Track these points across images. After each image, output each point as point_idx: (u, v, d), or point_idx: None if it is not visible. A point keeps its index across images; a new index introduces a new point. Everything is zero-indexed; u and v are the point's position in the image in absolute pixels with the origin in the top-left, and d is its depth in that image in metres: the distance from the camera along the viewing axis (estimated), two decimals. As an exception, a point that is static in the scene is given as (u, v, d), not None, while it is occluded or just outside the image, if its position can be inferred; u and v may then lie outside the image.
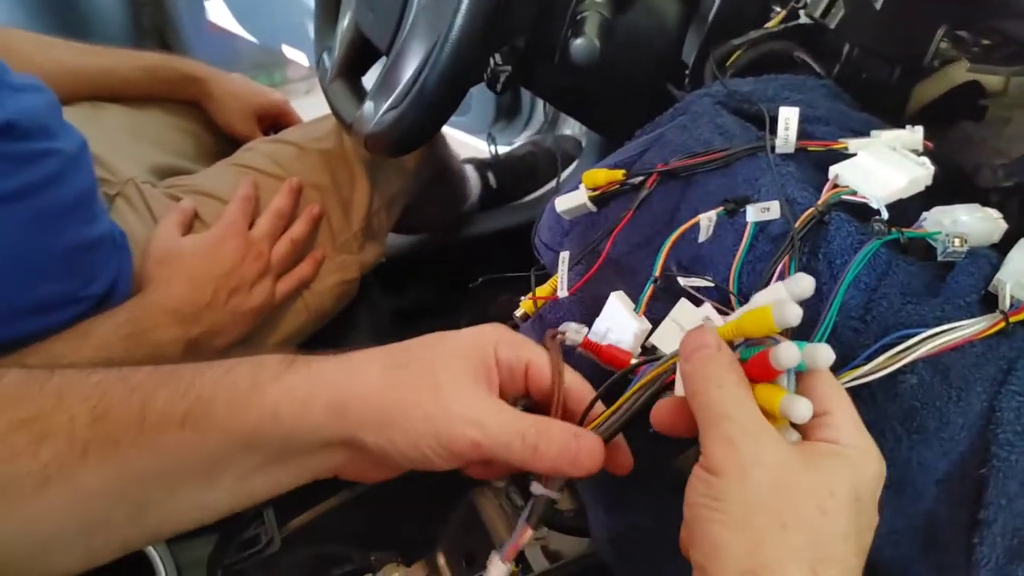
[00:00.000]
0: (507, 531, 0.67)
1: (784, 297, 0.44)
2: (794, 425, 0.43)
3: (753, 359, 0.43)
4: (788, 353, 0.41)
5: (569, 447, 0.46)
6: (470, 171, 1.52)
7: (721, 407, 0.41)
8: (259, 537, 0.69)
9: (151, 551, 0.65)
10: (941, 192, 0.62)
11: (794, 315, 0.41)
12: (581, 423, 0.50)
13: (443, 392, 0.45)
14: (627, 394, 0.49)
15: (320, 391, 0.45)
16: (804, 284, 0.44)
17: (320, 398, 0.45)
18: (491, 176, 1.55)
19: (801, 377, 0.44)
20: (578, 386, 0.52)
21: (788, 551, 0.39)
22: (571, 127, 1.68)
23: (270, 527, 0.69)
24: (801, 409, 0.41)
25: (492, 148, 1.56)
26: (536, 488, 0.48)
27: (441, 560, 0.73)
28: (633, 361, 0.54)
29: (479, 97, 1.69)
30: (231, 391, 0.44)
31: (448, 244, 1.38)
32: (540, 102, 1.68)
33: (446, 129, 1.75)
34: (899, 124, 0.66)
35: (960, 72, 0.80)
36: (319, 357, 0.47)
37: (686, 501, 0.42)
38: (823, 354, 0.42)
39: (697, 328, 0.45)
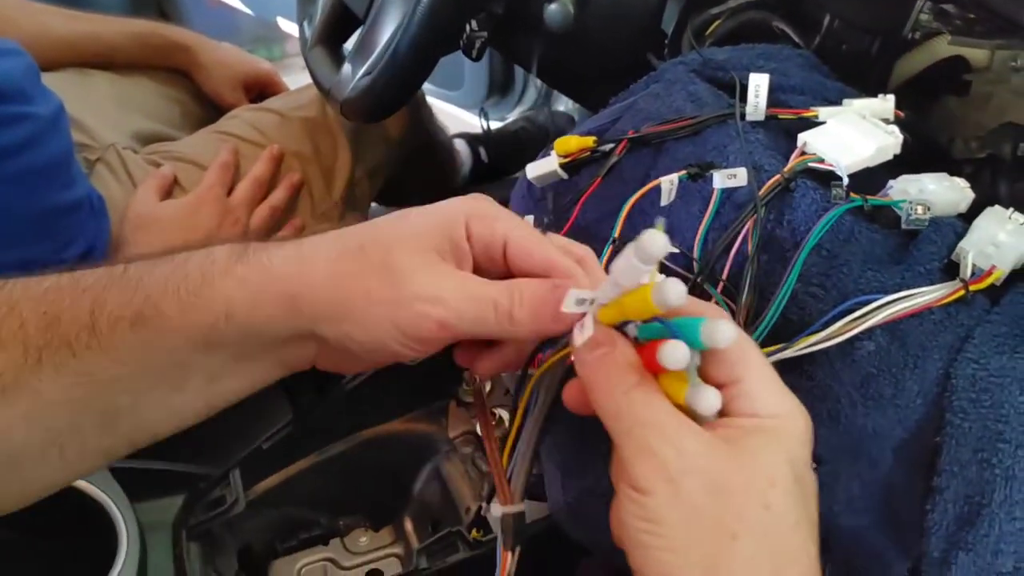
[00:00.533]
0: (472, 497, 0.67)
1: (642, 267, 0.36)
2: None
3: (646, 348, 0.39)
4: (675, 354, 0.36)
5: (546, 302, 0.41)
6: (462, 145, 1.51)
7: (632, 414, 0.37)
8: (224, 498, 0.69)
9: (114, 511, 0.65)
10: (914, 162, 0.62)
11: (676, 294, 0.35)
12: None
13: (397, 273, 0.41)
14: (528, 387, 0.46)
15: (270, 284, 0.41)
16: (655, 243, 0.34)
17: (270, 292, 0.41)
18: (483, 151, 1.54)
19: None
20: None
21: (744, 563, 0.35)
22: (564, 103, 1.68)
23: (235, 488, 0.69)
24: (709, 400, 0.37)
25: (484, 123, 1.56)
26: (495, 510, 0.44)
27: (408, 525, 0.73)
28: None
29: (472, 72, 1.68)
30: (180, 286, 0.41)
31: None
32: (533, 78, 1.67)
33: (437, 102, 1.76)
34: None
35: (943, 46, 0.79)
36: (274, 244, 0.43)
37: (620, 522, 0.38)
38: (724, 333, 0.36)
39: (585, 339, 0.40)
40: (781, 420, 0.38)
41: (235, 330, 0.42)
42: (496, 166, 1.55)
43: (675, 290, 0.35)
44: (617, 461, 0.38)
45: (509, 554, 0.44)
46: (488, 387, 0.72)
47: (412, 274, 0.41)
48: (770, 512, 0.36)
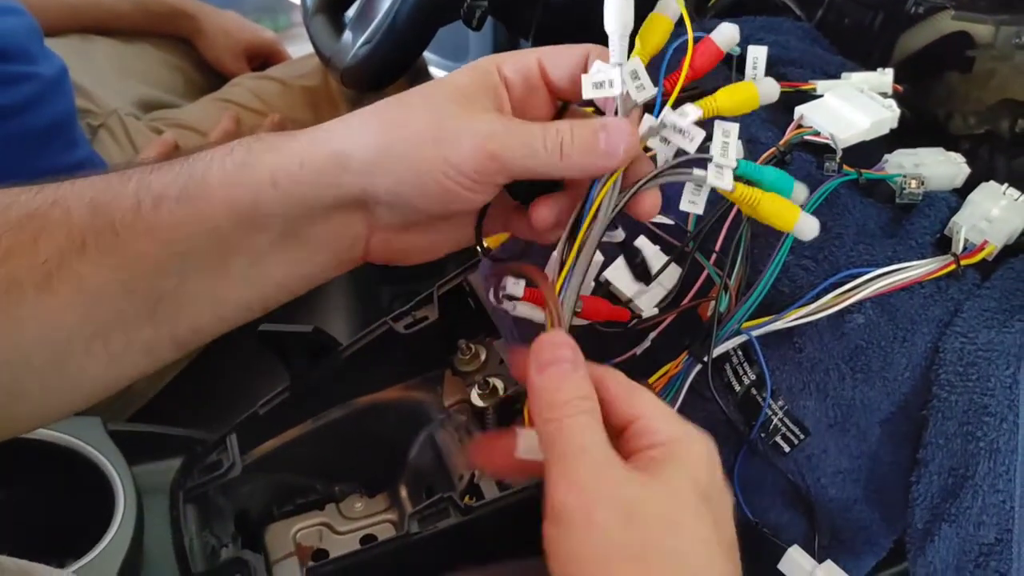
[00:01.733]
0: (466, 465, 0.68)
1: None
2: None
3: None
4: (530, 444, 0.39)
5: (596, 139, 0.42)
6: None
7: (575, 440, 0.37)
8: (221, 462, 0.69)
9: (111, 473, 0.65)
10: (912, 137, 0.62)
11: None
12: None
13: (444, 113, 0.41)
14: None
15: (317, 145, 0.42)
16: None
17: (318, 152, 0.41)
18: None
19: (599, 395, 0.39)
20: None
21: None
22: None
23: (232, 453, 0.69)
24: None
25: (488, 95, 1.55)
26: None
27: (403, 492, 0.74)
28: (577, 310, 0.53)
29: (476, 43, 1.67)
30: (226, 162, 0.42)
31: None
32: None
33: (441, 74, 1.75)
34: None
35: (947, 21, 0.79)
36: (318, 125, 0.44)
37: (547, 554, 0.37)
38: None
39: (551, 335, 0.40)
40: (680, 444, 0.38)
41: (281, 199, 0.41)
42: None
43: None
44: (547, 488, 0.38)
45: None
46: (483, 357, 0.72)
47: (458, 114, 0.41)
48: (678, 533, 0.36)
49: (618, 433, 0.39)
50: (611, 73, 0.42)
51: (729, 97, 0.46)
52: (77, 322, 0.41)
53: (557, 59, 0.44)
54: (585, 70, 0.43)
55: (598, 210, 0.44)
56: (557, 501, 0.36)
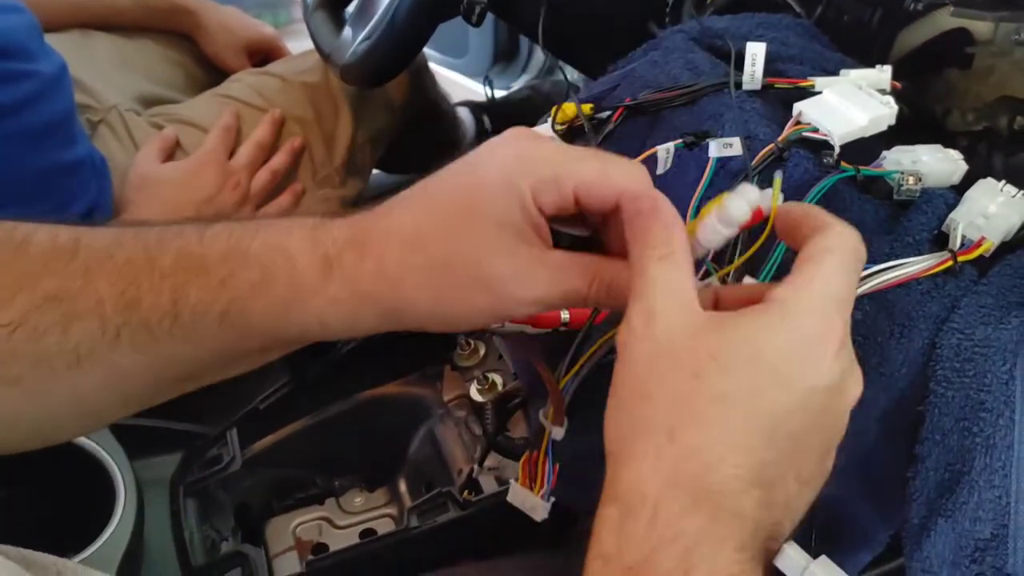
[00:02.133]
0: (465, 460, 0.68)
1: (723, 231, 0.41)
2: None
3: None
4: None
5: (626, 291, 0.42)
6: (465, 114, 1.51)
7: (651, 273, 0.38)
8: (221, 457, 0.70)
9: (113, 468, 0.66)
10: (911, 134, 0.62)
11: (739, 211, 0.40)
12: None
13: (496, 281, 0.41)
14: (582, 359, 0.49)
15: (368, 306, 0.42)
16: (737, 209, 0.40)
17: (370, 312, 0.42)
18: (487, 119, 1.54)
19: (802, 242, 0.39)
20: None
21: (643, 423, 0.36)
22: (570, 73, 1.67)
23: (232, 447, 0.70)
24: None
25: (489, 91, 1.55)
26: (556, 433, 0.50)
27: (402, 487, 0.75)
28: (564, 316, 0.55)
29: (477, 40, 1.67)
30: (268, 299, 0.42)
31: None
32: (539, 47, 1.66)
33: (442, 70, 1.75)
34: (880, 69, 0.66)
35: (946, 18, 0.79)
36: (352, 258, 0.42)
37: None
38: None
39: (639, 192, 0.41)
40: (778, 305, 0.37)
41: (330, 333, 0.43)
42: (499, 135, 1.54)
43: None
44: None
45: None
46: (483, 352, 0.72)
47: (509, 279, 0.41)
48: (695, 380, 0.36)
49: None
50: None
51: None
52: (110, 397, 0.43)
53: (595, 198, 0.42)
54: (616, 209, 0.42)
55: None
56: (620, 334, 0.38)
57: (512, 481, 0.51)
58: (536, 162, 0.42)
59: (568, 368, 0.49)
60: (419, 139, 1.28)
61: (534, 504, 0.51)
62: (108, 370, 0.41)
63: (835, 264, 0.38)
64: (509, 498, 0.51)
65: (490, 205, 0.41)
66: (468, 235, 0.41)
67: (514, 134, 0.44)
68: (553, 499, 0.51)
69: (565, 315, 0.55)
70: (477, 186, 0.42)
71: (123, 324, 0.41)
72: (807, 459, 0.38)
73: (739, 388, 0.36)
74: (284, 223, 0.45)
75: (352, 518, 0.73)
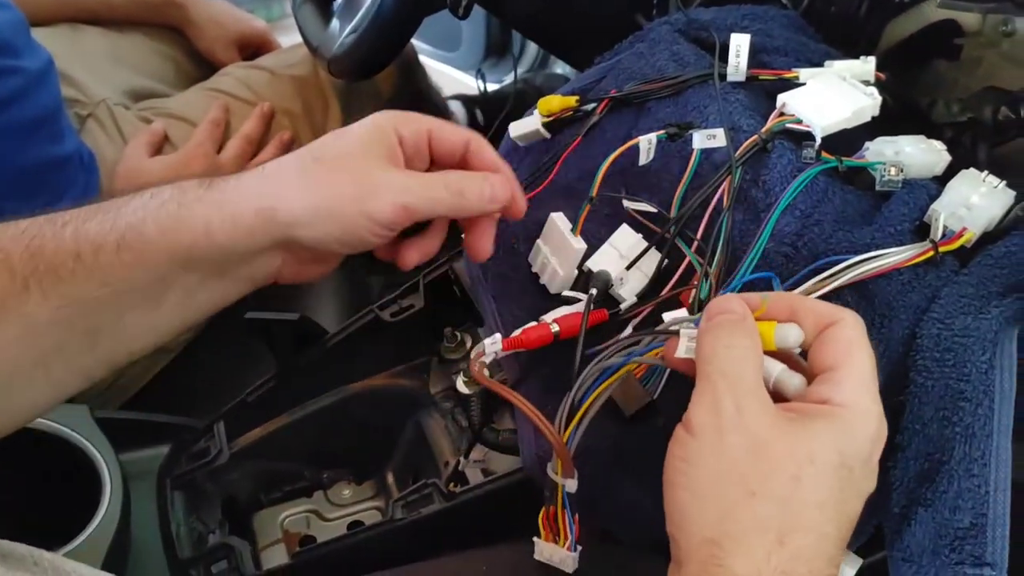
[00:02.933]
0: (451, 452, 0.68)
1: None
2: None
3: None
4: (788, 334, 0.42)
5: (487, 181, 0.51)
6: (457, 107, 1.51)
7: (720, 364, 0.40)
8: (209, 449, 0.70)
9: (99, 460, 0.66)
10: (895, 125, 0.62)
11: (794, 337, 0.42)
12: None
13: (360, 173, 0.48)
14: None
15: (247, 202, 0.46)
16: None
17: (247, 208, 0.46)
18: (479, 112, 1.54)
19: (821, 333, 0.42)
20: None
21: (753, 521, 0.38)
22: (561, 66, 1.67)
23: (220, 440, 0.70)
24: (791, 334, 0.42)
25: (481, 85, 1.55)
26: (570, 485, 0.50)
27: (390, 479, 0.74)
28: (554, 329, 0.56)
29: (469, 33, 1.67)
30: (160, 213, 0.46)
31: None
32: (532, 41, 1.66)
33: (434, 64, 1.75)
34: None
35: (933, 9, 0.79)
36: (233, 174, 0.49)
37: (667, 458, 0.41)
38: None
39: (724, 296, 0.44)
40: (848, 411, 0.40)
41: (215, 246, 0.46)
42: (492, 129, 1.54)
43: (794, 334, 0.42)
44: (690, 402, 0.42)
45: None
46: (469, 344, 0.73)
47: (372, 172, 0.48)
48: (797, 484, 0.38)
49: (812, 376, 0.42)
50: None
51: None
52: (20, 354, 0.44)
53: (442, 137, 0.52)
54: (465, 151, 0.53)
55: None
56: (693, 414, 0.40)
57: (536, 540, 0.52)
58: (396, 112, 0.51)
59: (568, 421, 0.49)
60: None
61: (563, 557, 0.51)
62: (20, 321, 0.43)
63: (863, 354, 0.41)
64: (536, 556, 0.52)
65: (358, 128, 0.50)
66: (338, 143, 0.50)
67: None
68: (580, 548, 0.52)
69: (555, 327, 0.56)
70: (348, 126, 0.51)
71: (31, 273, 0.43)
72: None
73: (832, 496, 0.39)
74: None
75: (340, 511, 0.73)
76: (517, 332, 0.56)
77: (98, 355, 0.47)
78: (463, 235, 0.56)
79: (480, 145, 0.53)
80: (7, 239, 0.44)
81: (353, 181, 0.47)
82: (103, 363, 0.48)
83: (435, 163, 0.53)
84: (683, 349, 0.44)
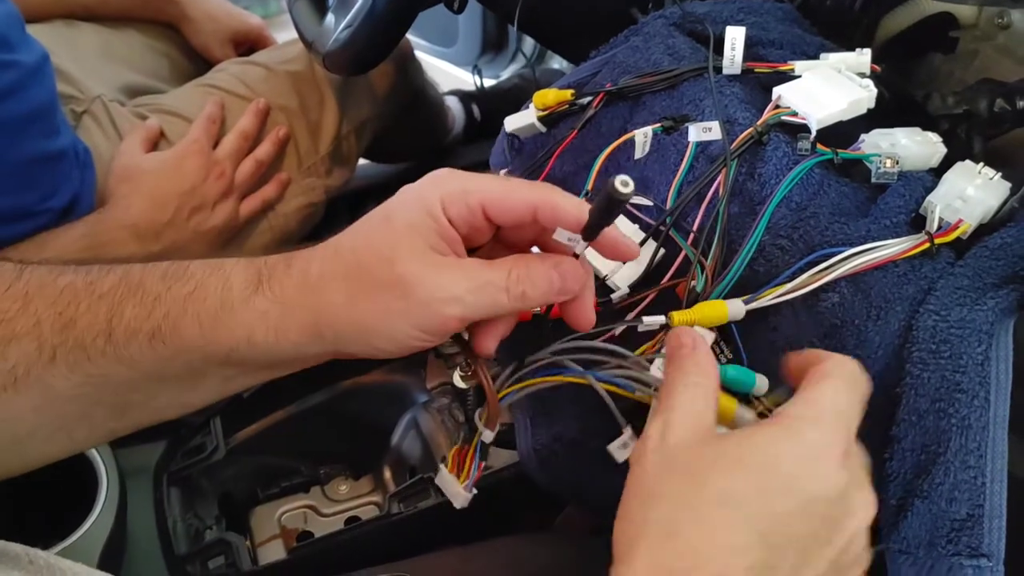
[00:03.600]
0: (448, 447, 0.68)
1: None
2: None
3: None
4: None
5: (552, 280, 0.44)
6: (454, 103, 1.51)
7: (673, 397, 0.41)
8: (205, 445, 0.70)
9: (95, 457, 0.66)
10: (891, 117, 0.62)
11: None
12: None
13: (408, 283, 0.42)
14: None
15: (291, 317, 0.43)
16: None
17: (293, 324, 0.43)
18: (475, 108, 1.53)
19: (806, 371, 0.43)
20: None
21: (643, 524, 0.37)
22: (558, 61, 1.67)
23: (216, 436, 0.70)
24: (746, 416, 0.44)
25: (478, 80, 1.55)
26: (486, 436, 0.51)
27: (387, 474, 0.75)
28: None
29: (466, 29, 1.67)
30: (199, 310, 0.43)
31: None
32: (528, 36, 1.65)
33: (431, 59, 1.75)
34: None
35: (929, 3, 0.79)
36: (282, 264, 0.45)
37: None
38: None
39: (680, 329, 0.46)
40: (785, 419, 0.40)
41: (257, 353, 0.44)
42: (489, 124, 1.54)
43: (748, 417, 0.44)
44: None
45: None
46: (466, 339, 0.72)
47: (421, 280, 0.42)
48: (700, 483, 0.37)
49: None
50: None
51: (701, 313, 0.51)
52: (42, 420, 0.43)
53: (502, 209, 0.45)
54: (534, 221, 0.44)
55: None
56: (636, 448, 0.40)
57: (441, 465, 0.52)
58: (445, 179, 0.45)
59: (511, 380, 0.51)
60: (406, 128, 1.28)
61: (456, 492, 0.52)
62: (42, 392, 0.42)
63: (836, 384, 0.41)
64: (436, 480, 0.53)
65: (402, 213, 0.44)
66: (382, 239, 0.43)
67: (433, 172, 0.46)
68: (475, 491, 0.53)
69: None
70: (394, 202, 0.45)
71: (59, 344, 0.42)
72: (807, 568, 0.38)
73: (743, 490, 0.37)
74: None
75: (337, 506, 0.73)
76: None
77: (126, 423, 0.46)
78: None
79: (552, 209, 0.44)
80: (42, 303, 0.42)
81: (401, 295, 0.42)
82: (129, 427, 0.47)
83: (502, 231, 0.47)
84: (655, 368, 0.48)
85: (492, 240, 0.47)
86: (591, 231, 0.43)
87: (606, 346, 0.51)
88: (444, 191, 0.44)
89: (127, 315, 0.43)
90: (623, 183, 0.39)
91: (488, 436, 0.51)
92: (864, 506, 0.40)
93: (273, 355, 0.44)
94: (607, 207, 0.41)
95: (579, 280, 0.45)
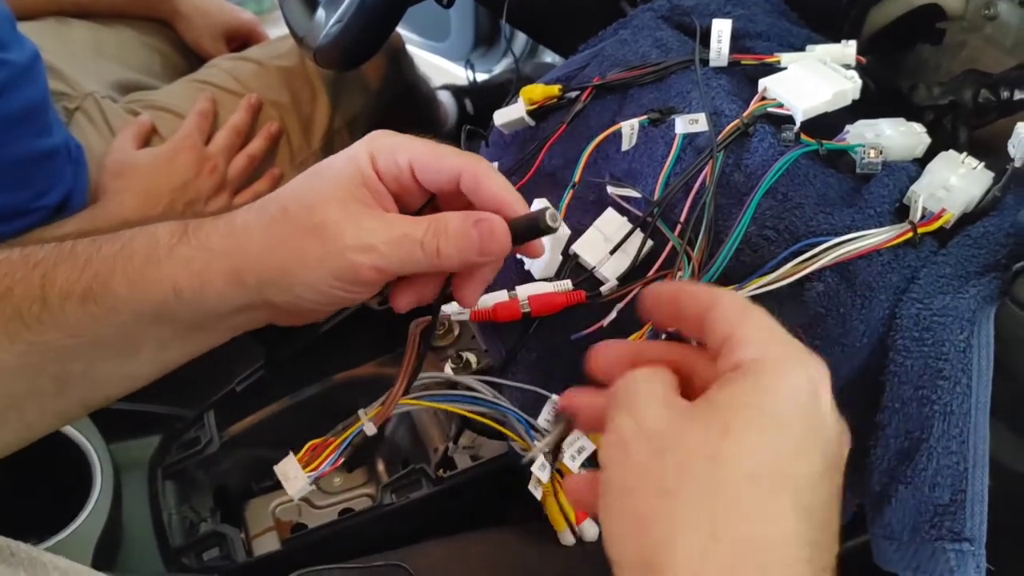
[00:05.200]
0: (440, 438, 0.69)
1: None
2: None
3: None
4: None
5: (469, 236, 0.43)
6: (446, 97, 1.51)
7: (617, 396, 0.38)
8: (199, 439, 0.70)
9: (90, 450, 0.66)
10: (877, 108, 0.62)
11: None
12: None
13: (327, 230, 0.42)
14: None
15: (213, 262, 0.43)
16: None
17: (214, 269, 0.43)
18: (468, 103, 1.53)
19: (705, 311, 0.39)
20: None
21: (674, 522, 0.33)
22: (551, 55, 1.67)
23: (210, 430, 0.70)
24: None
25: (470, 74, 1.55)
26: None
27: (380, 466, 0.75)
28: (524, 309, 0.57)
29: (458, 23, 1.67)
30: (127, 266, 0.43)
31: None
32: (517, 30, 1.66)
33: (423, 54, 1.75)
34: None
35: (917, -6, 0.79)
36: (210, 220, 0.45)
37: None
38: None
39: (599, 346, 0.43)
40: (769, 363, 0.35)
41: (185, 307, 0.43)
42: (481, 118, 1.54)
43: None
44: None
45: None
46: (457, 331, 0.73)
47: (339, 228, 0.42)
48: (717, 463, 0.33)
49: (715, 355, 0.37)
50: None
51: None
52: None
53: (429, 171, 0.45)
54: (456, 187, 0.44)
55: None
56: (600, 453, 0.37)
57: (291, 453, 0.53)
58: (378, 136, 0.45)
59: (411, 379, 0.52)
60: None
61: (296, 478, 0.52)
62: None
63: (761, 315, 0.37)
64: (276, 468, 0.53)
65: (330, 167, 0.44)
66: (306, 189, 0.44)
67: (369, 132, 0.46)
68: (314, 486, 0.53)
69: (526, 307, 0.57)
70: (326, 160, 0.45)
71: None
72: (835, 523, 0.35)
73: (765, 461, 0.33)
74: None
75: (331, 498, 0.74)
76: (488, 304, 0.57)
77: (72, 399, 0.46)
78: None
79: (476, 178, 0.44)
80: None
81: (319, 241, 0.42)
82: (78, 406, 0.47)
83: (440, 200, 0.47)
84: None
85: (430, 209, 0.47)
86: (514, 239, 0.44)
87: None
88: (375, 146, 0.45)
89: (60, 279, 0.43)
90: (552, 217, 0.42)
91: (371, 429, 0.51)
92: (845, 437, 0.37)
93: (200, 308, 0.44)
94: (533, 231, 0.43)
95: (499, 243, 0.43)
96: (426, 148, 0.45)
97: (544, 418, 0.53)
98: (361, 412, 0.52)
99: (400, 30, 1.06)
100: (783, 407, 0.34)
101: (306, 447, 0.53)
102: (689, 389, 0.38)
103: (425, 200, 0.47)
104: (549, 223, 0.41)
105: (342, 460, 0.52)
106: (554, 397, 0.53)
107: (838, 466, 0.35)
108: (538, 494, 0.53)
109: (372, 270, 0.42)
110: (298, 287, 0.43)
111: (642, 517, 0.34)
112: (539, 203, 0.61)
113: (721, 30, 0.63)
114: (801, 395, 0.34)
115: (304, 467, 0.52)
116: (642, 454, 0.35)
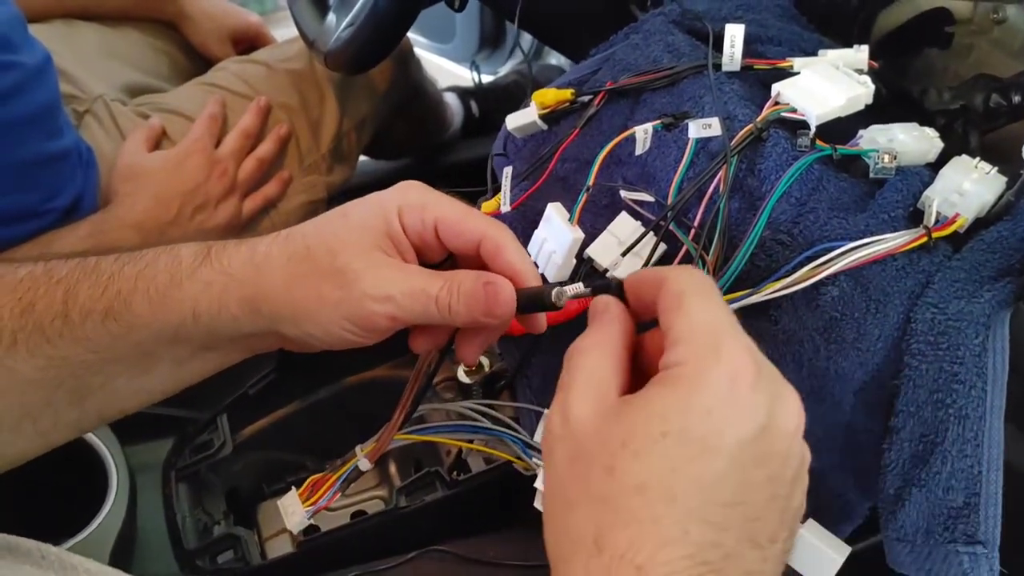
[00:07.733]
0: (453, 441, 0.69)
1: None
2: None
3: None
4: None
5: (478, 296, 0.44)
6: (452, 99, 1.51)
7: (562, 377, 0.38)
8: (212, 442, 0.71)
9: (105, 454, 0.67)
10: (888, 113, 0.63)
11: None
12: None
13: (347, 275, 0.43)
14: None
15: (232, 288, 0.44)
16: None
17: (232, 296, 0.44)
18: (474, 104, 1.54)
19: (656, 301, 0.39)
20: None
21: (569, 537, 0.34)
22: (556, 57, 1.67)
23: (223, 432, 0.71)
24: None
25: (475, 76, 1.55)
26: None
27: (392, 468, 0.75)
28: None
29: (463, 25, 1.67)
30: (149, 287, 0.44)
31: (428, 170, 1.39)
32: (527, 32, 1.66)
33: (429, 56, 1.75)
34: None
35: (925, -1, 0.79)
36: (232, 244, 0.46)
37: None
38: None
39: (600, 298, 0.43)
40: (681, 374, 0.35)
41: (201, 328, 0.45)
42: (487, 120, 1.55)
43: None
44: None
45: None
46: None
47: (359, 275, 0.43)
48: (611, 475, 0.33)
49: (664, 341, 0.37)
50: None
51: None
52: (7, 406, 0.45)
53: (452, 232, 0.46)
54: (476, 250, 0.46)
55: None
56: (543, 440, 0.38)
57: (293, 489, 0.54)
58: (409, 189, 0.47)
59: (408, 414, 0.53)
60: (406, 125, 1.29)
61: (295, 513, 0.53)
62: (6, 375, 0.44)
63: (696, 301, 0.37)
64: (279, 502, 0.54)
65: (359, 211, 0.46)
66: (332, 232, 0.45)
67: (403, 181, 0.48)
68: (311, 521, 0.54)
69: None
70: (356, 202, 0.47)
71: (19, 329, 0.44)
72: (760, 520, 0.35)
73: (657, 469, 0.33)
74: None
75: (343, 500, 0.74)
76: None
77: (87, 412, 0.47)
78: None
79: (496, 247, 0.45)
80: (3, 291, 0.44)
81: (338, 284, 0.43)
82: (93, 418, 0.48)
83: (460, 259, 0.48)
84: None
85: (451, 265, 0.49)
86: (520, 308, 0.45)
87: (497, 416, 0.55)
88: (405, 200, 0.46)
89: (82, 296, 0.44)
90: (557, 296, 0.43)
91: (365, 465, 0.52)
92: (789, 412, 0.36)
93: (214, 330, 0.45)
94: (538, 303, 0.45)
95: (504, 308, 0.44)
96: (453, 209, 0.46)
97: (539, 435, 0.54)
98: (358, 448, 0.53)
99: (407, 32, 1.07)
100: (690, 422, 0.34)
101: (307, 482, 0.54)
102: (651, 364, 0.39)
103: (444, 257, 0.48)
104: (554, 301, 0.43)
105: (338, 495, 0.54)
106: (546, 412, 0.53)
107: (765, 456, 0.35)
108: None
109: (387, 319, 0.44)
110: (310, 325, 0.44)
111: (556, 530, 0.36)
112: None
113: (734, 35, 0.63)
114: (714, 402, 0.34)
115: (304, 502, 0.53)
116: (561, 457, 0.36)
